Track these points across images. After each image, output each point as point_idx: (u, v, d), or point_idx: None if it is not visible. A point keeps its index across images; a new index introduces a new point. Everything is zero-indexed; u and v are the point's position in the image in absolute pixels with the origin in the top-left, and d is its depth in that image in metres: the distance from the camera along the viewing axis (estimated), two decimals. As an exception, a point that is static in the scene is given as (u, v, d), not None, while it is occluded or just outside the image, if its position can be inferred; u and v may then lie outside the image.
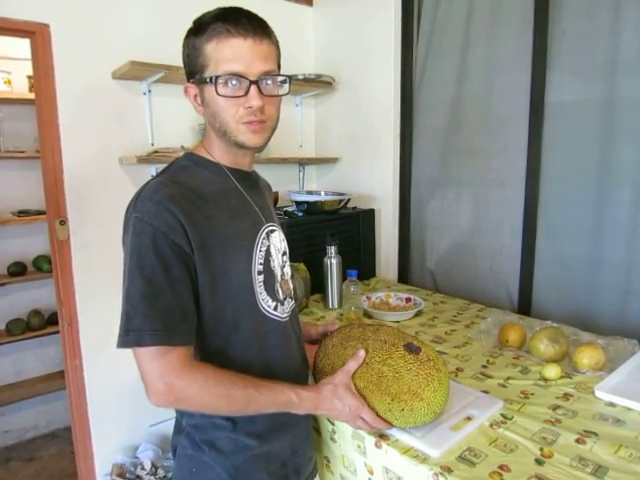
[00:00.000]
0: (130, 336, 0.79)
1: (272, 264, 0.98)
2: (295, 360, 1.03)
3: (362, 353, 0.98)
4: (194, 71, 0.89)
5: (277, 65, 0.92)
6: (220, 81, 0.85)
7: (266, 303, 0.95)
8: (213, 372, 0.84)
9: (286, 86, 0.94)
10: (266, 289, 0.95)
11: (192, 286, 0.84)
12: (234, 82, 0.85)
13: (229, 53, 0.84)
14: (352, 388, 0.95)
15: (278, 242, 1.02)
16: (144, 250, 0.80)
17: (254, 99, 0.85)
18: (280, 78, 0.91)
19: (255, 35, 0.85)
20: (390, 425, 0.96)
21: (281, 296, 0.99)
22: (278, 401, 0.88)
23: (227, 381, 0.84)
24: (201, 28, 0.86)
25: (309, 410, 0.92)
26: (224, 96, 0.86)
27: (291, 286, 1.06)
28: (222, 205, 0.91)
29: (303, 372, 1.08)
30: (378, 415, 0.95)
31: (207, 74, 0.86)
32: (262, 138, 0.91)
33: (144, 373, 0.81)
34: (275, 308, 0.97)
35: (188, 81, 0.92)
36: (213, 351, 0.90)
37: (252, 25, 0.85)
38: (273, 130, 0.94)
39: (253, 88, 0.86)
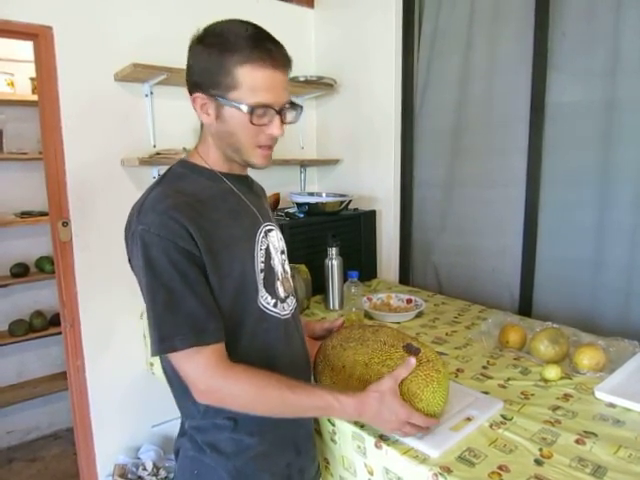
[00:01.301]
0: (165, 343, 0.82)
1: (272, 262, 1.00)
2: (298, 357, 1.05)
3: (413, 361, 0.95)
4: (213, 86, 0.88)
5: None
6: (257, 112, 0.87)
7: (265, 300, 0.96)
8: (245, 372, 0.86)
9: (296, 113, 0.97)
10: (265, 286, 0.96)
11: (209, 285, 0.87)
12: (264, 112, 0.88)
13: (262, 83, 0.86)
14: (398, 394, 0.92)
15: (276, 241, 1.04)
16: (157, 262, 0.83)
17: (278, 129, 0.90)
18: (298, 109, 0.96)
19: (284, 67, 0.89)
20: (437, 420, 0.96)
21: (282, 294, 1.01)
22: (316, 405, 0.89)
23: (260, 381, 0.86)
24: (230, 47, 0.85)
25: (352, 416, 0.92)
26: (256, 125, 0.88)
27: (292, 284, 1.07)
28: (221, 208, 0.93)
29: (306, 369, 1.09)
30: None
31: (235, 97, 0.87)
32: (269, 161, 0.96)
33: (185, 376, 0.85)
34: (275, 305, 0.98)
35: (195, 90, 0.91)
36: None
37: (281, 55, 0.88)
38: None
39: (277, 118, 0.90)
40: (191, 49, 0.90)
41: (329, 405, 0.89)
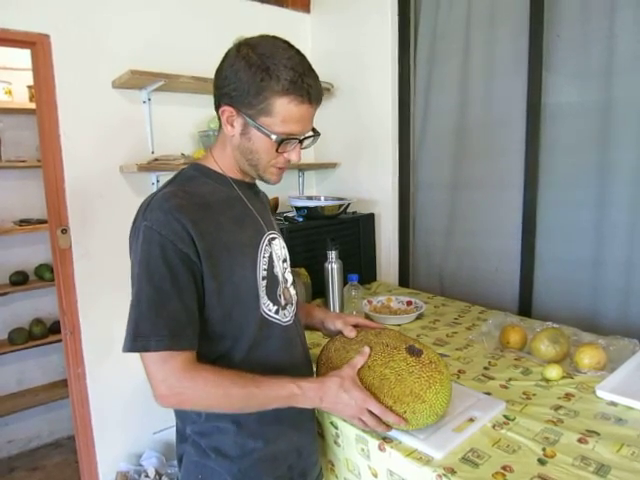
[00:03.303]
0: (138, 341, 0.82)
1: (275, 270, 1.01)
2: (299, 362, 1.05)
3: (367, 350, 1.00)
4: (244, 103, 0.89)
5: None
6: (285, 142, 0.91)
7: (267, 307, 0.97)
8: (212, 374, 0.86)
9: (313, 140, 1.00)
10: (267, 293, 0.97)
11: (197, 293, 0.87)
12: (288, 141, 0.92)
13: (297, 116, 0.89)
14: (358, 382, 0.96)
15: (279, 249, 1.04)
16: (153, 258, 0.83)
17: (297, 156, 0.95)
18: (316, 137, 0.99)
19: (318, 102, 0.92)
20: (403, 420, 0.94)
21: (283, 302, 1.01)
22: (280, 395, 0.89)
23: (226, 381, 0.86)
24: (272, 74, 0.85)
25: (314, 402, 0.93)
26: (281, 152, 0.92)
27: (292, 292, 1.07)
28: (227, 213, 0.94)
29: (308, 374, 1.09)
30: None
31: (265, 122, 0.89)
32: (281, 178, 1.00)
33: (149, 376, 0.84)
34: (276, 312, 0.99)
35: (226, 101, 0.90)
36: (222, 353, 0.93)
37: (317, 91, 0.90)
38: None
39: (298, 146, 0.94)
40: (230, 59, 0.89)
41: (292, 393, 0.90)
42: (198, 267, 0.86)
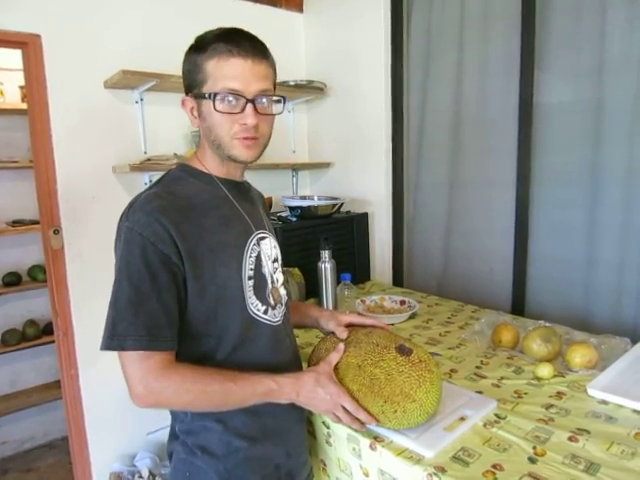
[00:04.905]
0: (114, 340, 0.82)
1: (263, 270, 1.00)
2: (288, 362, 1.05)
3: (341, 346, 1.02)
4: (193, 85, 0.92)
5: (273, 86, 0.96)
6: (218, 97, 0.89)
7: (255, 307, 0.97)
8: (191, 372, 0.86)
9: (280, 105, 0.98)
10: (255, 293, 0.97)
11: (178, 294, 0.87)
12: (231, 99, 0.89)
13: (229, 71, 0.88)
14: (334, 378, 0.97)
15: (269, 249, 1.04)
16: (133, 259, 0.83)
17: (249, 117, 0.89)
18: (275, 98, 0.96)
19: (255, 56, 0.89)
20: (374, 419, 0.95)
21: (272, 302, 1.01)
22: (257, 391, 0.89)
23: (205, 378, 0.86)
24: (203, 46, 0.89)
25: (290, 397, 0.93)
26: (221, 112, 0.89)
27: (282, 293, 1.07)
28: (212, 214, 0.94)
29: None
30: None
31: (205, 89, 0.90)
32: (254, 153, 0.95)
33: (126, 376, 0.85)
34: (265, 312, 0.99)
35: (186, 94, 0.95)
36: (206, 352, 0.93)
37: (253, 47, 0.89)
38: (265, 146, 0.98)
39: (249, 106, 0.89)
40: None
41: (269, 388, 0.90)
42: (180, 268, 0.86)
